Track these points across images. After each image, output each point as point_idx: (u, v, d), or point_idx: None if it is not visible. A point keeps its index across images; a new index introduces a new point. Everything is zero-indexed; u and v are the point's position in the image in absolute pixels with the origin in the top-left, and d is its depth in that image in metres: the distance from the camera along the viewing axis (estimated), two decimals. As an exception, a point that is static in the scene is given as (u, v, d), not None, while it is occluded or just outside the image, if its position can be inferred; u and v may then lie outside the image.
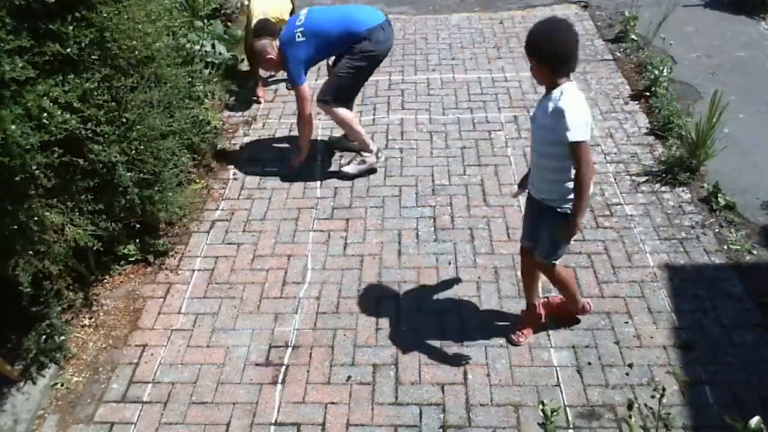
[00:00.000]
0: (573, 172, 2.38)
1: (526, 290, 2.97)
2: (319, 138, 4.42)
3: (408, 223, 3.67)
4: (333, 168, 4.17)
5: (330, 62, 4.05)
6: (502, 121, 4.49)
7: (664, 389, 1.82)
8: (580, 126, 2.26)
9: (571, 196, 2.42)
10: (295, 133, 4.48)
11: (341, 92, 3.85)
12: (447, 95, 4.85)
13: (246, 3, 6.08)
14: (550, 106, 2.31)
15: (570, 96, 2.29)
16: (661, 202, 3.72)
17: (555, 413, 1.75)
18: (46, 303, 2.78)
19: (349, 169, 4.04)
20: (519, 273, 3.09)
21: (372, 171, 4.05)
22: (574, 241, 3.42)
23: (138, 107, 2.93)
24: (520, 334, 2.94)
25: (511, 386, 2.75)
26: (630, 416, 1.64)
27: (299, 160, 4.08)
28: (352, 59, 3.72)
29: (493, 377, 2.79)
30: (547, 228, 2.59)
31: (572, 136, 2.24)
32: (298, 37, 3.64)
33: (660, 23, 5.14)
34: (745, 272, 3.24)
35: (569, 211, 2.45)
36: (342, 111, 3.89)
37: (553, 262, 2.70)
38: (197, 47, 4.32)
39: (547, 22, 2.36)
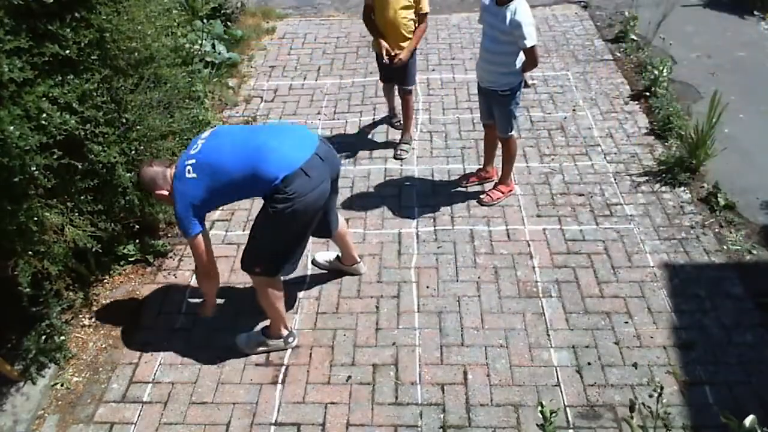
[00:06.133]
0: (514, 64, 3.26)
1: (486, 157, 3.92)
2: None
3: (408, 223, 3.67)
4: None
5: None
6: (502, 121, 4.48)
7: (662, 388, 1.82)
8: (533, 33, 3.09)
9: (509, 80, 3.31)
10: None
11: (266, 260, 2.70)
12: (447, 95, 4.84)
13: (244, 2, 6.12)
14: (508, 16, 3.06)
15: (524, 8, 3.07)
16: (661, 202, 3.72)
17: (554, 414, 1.75)
18: (46, 303, 2.79)
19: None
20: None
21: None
22: (574, 240, 3.44)
23: (138, 108, 2.93)
24: (487, 195, 3.77)
25: (511, 386, 2.75)
26: (632, 417, 1.63)
27: (207, 311, 2.93)
28: (267, 215, 2.56)
29: (493, 377, 2.79)
30: (498, 107, 3.45)
31: (529, 43, 3.08)
32: (188, 171, 2.49)
33: (660, 23, 5.14)
34: (745, 272, 3.24)
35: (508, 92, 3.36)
36: (272, 288, 2.79)
37: (510, 134, 3.56)
38: (197, 47, 4.31)
39: None
